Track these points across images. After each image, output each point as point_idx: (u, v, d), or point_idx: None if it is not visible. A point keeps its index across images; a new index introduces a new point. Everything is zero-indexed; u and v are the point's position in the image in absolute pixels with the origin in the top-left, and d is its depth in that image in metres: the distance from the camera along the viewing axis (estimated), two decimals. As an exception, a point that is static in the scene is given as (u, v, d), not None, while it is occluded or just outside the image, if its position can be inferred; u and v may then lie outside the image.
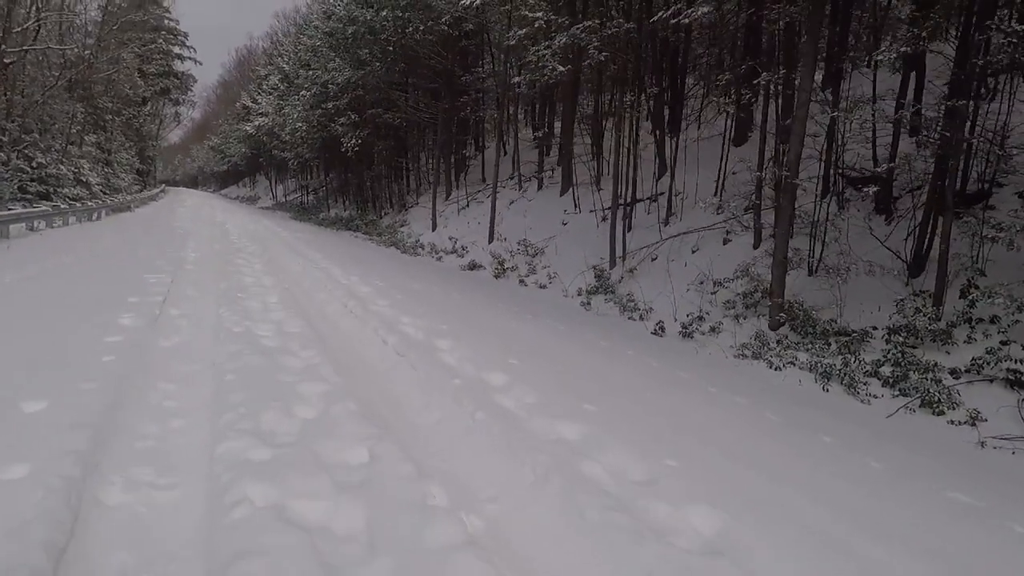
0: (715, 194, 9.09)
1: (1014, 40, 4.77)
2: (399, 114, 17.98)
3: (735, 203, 8.13)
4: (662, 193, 9.99)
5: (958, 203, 5.78)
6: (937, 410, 4.37)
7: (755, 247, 7.74)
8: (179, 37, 39.83)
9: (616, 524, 2.24)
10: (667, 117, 11.31)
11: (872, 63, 7.25)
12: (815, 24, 6.38)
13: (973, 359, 4.70)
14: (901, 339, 5.16)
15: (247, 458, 2.57)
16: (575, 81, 12.46)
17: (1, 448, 2.44)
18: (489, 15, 15.29)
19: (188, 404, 3.32)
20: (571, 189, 12.19)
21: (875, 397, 4.73)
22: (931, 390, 4.48)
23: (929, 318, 5.06)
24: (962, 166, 5.92)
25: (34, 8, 17.54)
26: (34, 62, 18.11)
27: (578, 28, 8.99)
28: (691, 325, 6.69)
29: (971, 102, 5.44)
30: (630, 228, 9.69)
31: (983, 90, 6.11)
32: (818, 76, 8.02)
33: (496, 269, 11.04)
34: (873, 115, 6.62)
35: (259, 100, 33.39)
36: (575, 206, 11.77)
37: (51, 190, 16.82)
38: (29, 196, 15.77)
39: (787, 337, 5.92)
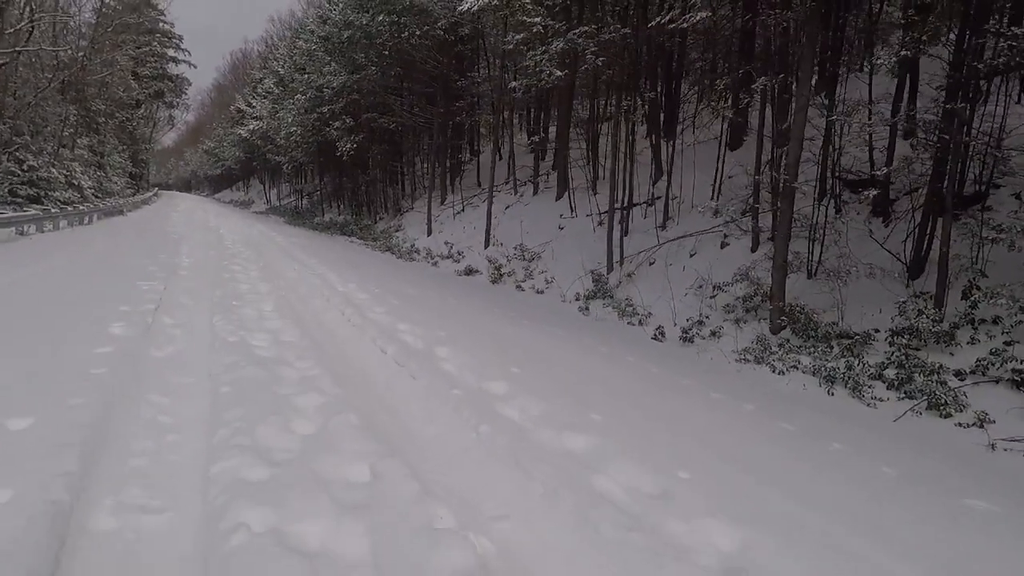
0: (712, 198, 9.06)
1: (1013, 43, 4.75)
2: (394, 118, 17.90)
3: (732, 207, 8.11)
4: (659, 197, 9.96)
5: (956, 205, 5.77)
6: (944, 412, 4.33)
7: (753, 251, 7.71)
8: (174, 40, 39.62)
9: (632, 542, 2.17)
10: (663, 121, 11.29)
11: (869, 67, 7.26)
12: (813, 28, 6.37)
13: (978, 360, 4.67)
14: (904, 341, 5.13)
15: (243, 478, 2.47)
16: (571, 86, 12.44)
17: (-18, 470, 2.33)
18: (485, 20, 15.27)
19: (182, 419, 3.22)
20: (567, 193, 12.15)
21: (880, 400, 4.68)
22: (937, 392, 4.43)
23: (932, 320, 5.03)
24: (959, 168, 5.91)
25: (27, 9, 17.36)
26: (27, 64, 17.89)
27: (575, 33, 8.97)
28: (691, 330, 6.63)
29: (968, 105, 5.44)
30: (627, 232, 9.64)
31: (977, 93, 6.12)
32: (813, 80, 8.00)
33: (493, 274, 10.97)
34: (870, 118, 6.61)
35: (254, 104, 33.25)
36: (571, 210, 11.72)
37: (42, 193, 16.62)
38: (19, 200, 15.58)
39: (789, 341, 5.88)
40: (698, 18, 6.87)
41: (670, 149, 10.10)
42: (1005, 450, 3.82)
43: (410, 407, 3.63)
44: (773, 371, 5.43)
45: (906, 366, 4.84)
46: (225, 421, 3.09)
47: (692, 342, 6.47)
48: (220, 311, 5.89)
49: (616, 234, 9.24)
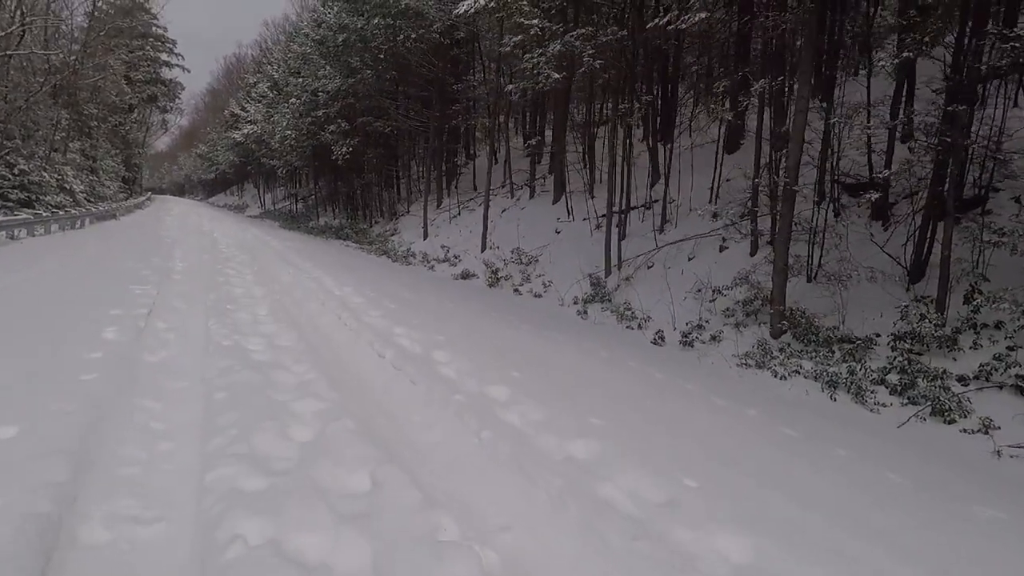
0: (710, 201, 9.05)
1: (1016, 44, 4.75)
2: (390, 122, 17.85)
3: (731, 210, 8.09)
4: (656, 200, 9.94)
5: (956, 208, 5.76)
6: (948, 418, 4.29)
7: (752, 254, 7.69)
8: (167, 44, 39.38)
9: (639, 551, 2.11)
10: (660, 124, 11.29)
11: (867, 70, 7.27)
12: (812, 31, 6.37)
13: (981, 365, 4.64)
14: (907, 346, 5.10)
15: (239, 487, 2.39)
16: (567, 89, 12.44)
17: (-33, 481, 2.23)
18: (481, 23, 15.26)
19: (176, 425, 3.13)
20: (564, 197, 12.12)
21: (884, 406, 4.64)
22: (941, 398, 4.39)
23: (934, 324, 5.00)
24: (959, 172, 5.91)
25: (18, 12, 17.22)
26: (18, 67, 17.73)
27: (572, 36, 8.95)
28: (691, 334, 6.59)
29: (968, 107, 5.43)
30: (625, 236, 9.61)
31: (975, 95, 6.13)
32: (811, 82, 8.01)
33: (490, 278, 10.91)
34: (869, 122, 6.61)
35: (248, 108, 33.10)
36: (568, 214, 11.68)
37: (33, 197, 16.46)
38: (10, 204, 15.41)
39: (790, 345, 5.84)
40: (696, 19, 6.85)
41: (667, 152, 10.08)
42: (1012, 457, 3.78)
43: (409, 412, 3.56)
44: (775, 376, 5.39)
45: (909, 371, 4.81)
46: (220, 427, 3.01)
47: (692, 346, 6.43)
48: (214, 315, 5.79)
49: (614, 237, 9.20)
